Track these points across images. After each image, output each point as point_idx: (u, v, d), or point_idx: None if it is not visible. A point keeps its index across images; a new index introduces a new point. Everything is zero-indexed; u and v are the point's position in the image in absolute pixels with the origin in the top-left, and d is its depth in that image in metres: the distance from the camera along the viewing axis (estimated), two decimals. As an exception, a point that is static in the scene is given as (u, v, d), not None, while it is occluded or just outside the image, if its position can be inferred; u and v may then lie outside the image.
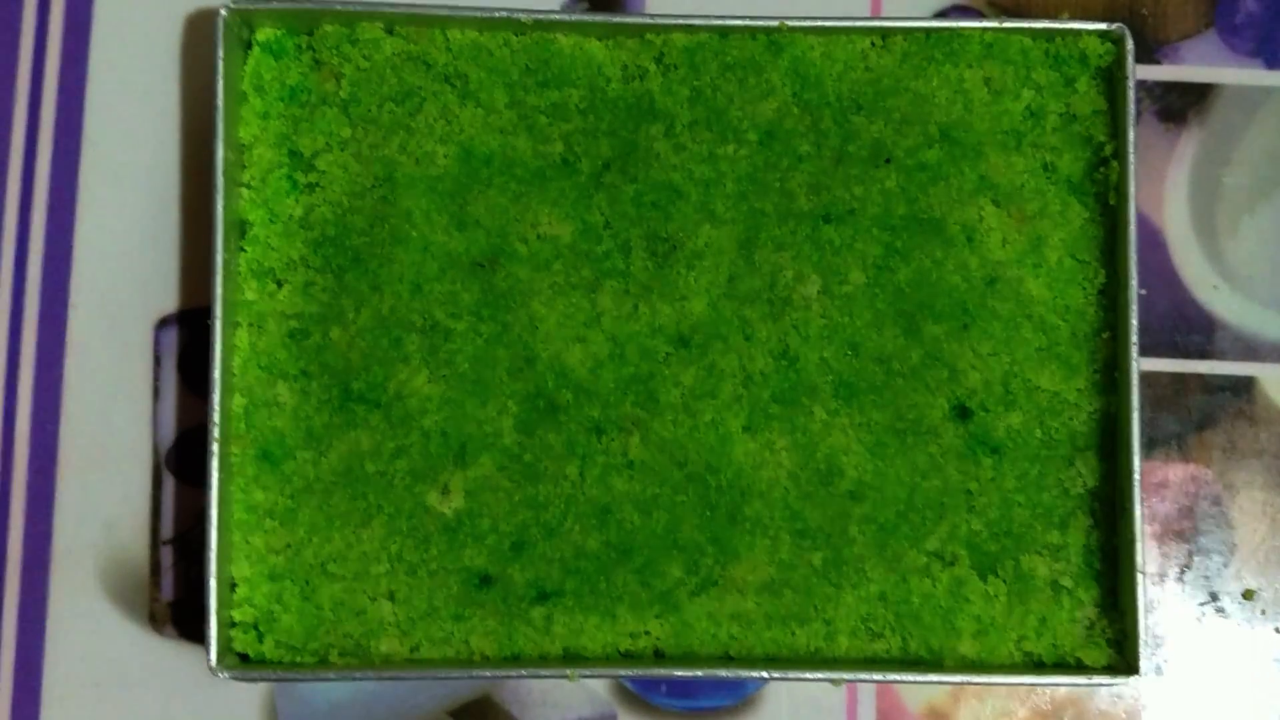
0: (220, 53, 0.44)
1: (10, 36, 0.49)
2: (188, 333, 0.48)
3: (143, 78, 0.49)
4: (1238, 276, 0.49)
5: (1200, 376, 0.49)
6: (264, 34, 0.46)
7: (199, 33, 0.49)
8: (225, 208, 0.44)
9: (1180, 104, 0.50)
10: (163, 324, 0.48)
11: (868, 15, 0.50)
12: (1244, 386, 0.49)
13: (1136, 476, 0.44)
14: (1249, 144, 0.50)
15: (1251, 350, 0.49)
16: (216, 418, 0.44)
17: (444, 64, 0.46)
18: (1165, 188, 0.49)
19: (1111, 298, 0.46)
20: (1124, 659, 0.44)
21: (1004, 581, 0.45)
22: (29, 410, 0.48)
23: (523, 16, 0.45)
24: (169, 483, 0.48)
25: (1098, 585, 0.45)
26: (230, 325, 0.45)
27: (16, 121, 0.49)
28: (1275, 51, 0.50)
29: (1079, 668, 0.45)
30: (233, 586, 0.44)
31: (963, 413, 0.46)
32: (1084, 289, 0.46)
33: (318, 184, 0.46)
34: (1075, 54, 0.46)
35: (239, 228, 0.46)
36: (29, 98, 0.49)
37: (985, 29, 0.46)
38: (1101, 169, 0.46)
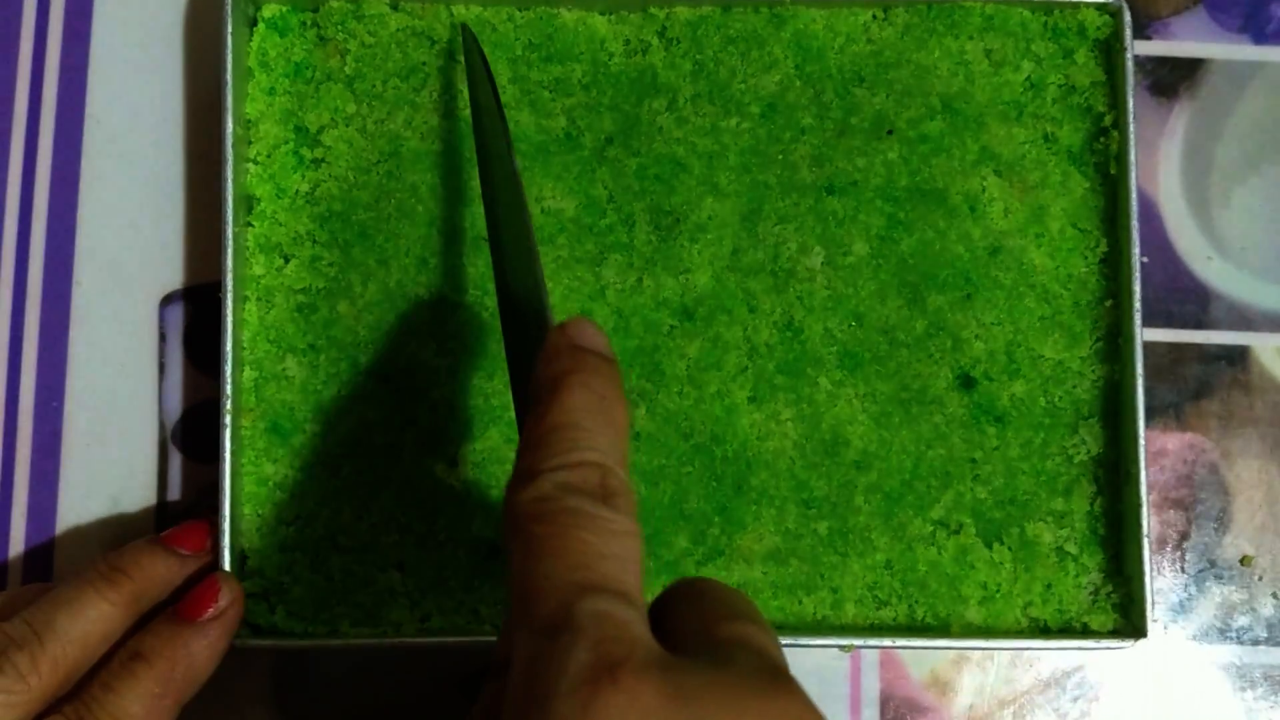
0: (228, 29, 0.45)
1: (13, 14, 0.49)
2: (193, 309, 0.48)
3: (145, 55, 0.49)
4: (1231, 248, 0.50)
5: (1196, 346, 0.49)
6: (270, 10, 0.47)
7: (202, 10, 0.49)
8: (233, 183, 0.44)
9: (1171, 79, 0.50)
10: (168, 300, 0.48)
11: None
12: (1239, 356, 0.49)
13: (1141, 441, 0.44)
14: (1239, 117, 0.50)
15: (1246, 320, 0.49)
16: (229, 390, 0.44)
17: (448, 40, 0.47)
18: (1158, 161, 0.50)
19: (1113, 266, 0.46)
20: (1130, 623, 0.45)
21: (1009, 549, 0.46)
22: (33, 387, 0.48)
23: (527, -9, 0.46)
24: (175, 458, 0.48)
25: (1102, 551, 0.46)
26: (239, 300, 0.45)
27: (19, 98, 0.49)
28: (1262, 27, 0.51)
29: (1086, 632, 0.45)
30: (243, 558, 0.45)
31: (967, 382, 0.46)
32: (1085, 258, 0.47)
33: (324, 159, 0.46)
34: (1074, 26, 0.47)
35: (246, 203, 0.46)
36: (31, 75, 0.49)
37: (985, 1, 0.47)
38: (1101, 139, 0.46)
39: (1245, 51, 0.50)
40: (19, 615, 0.39)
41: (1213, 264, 0.49)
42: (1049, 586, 0.45)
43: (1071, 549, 0.46)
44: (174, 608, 0.41)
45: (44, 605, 0.39)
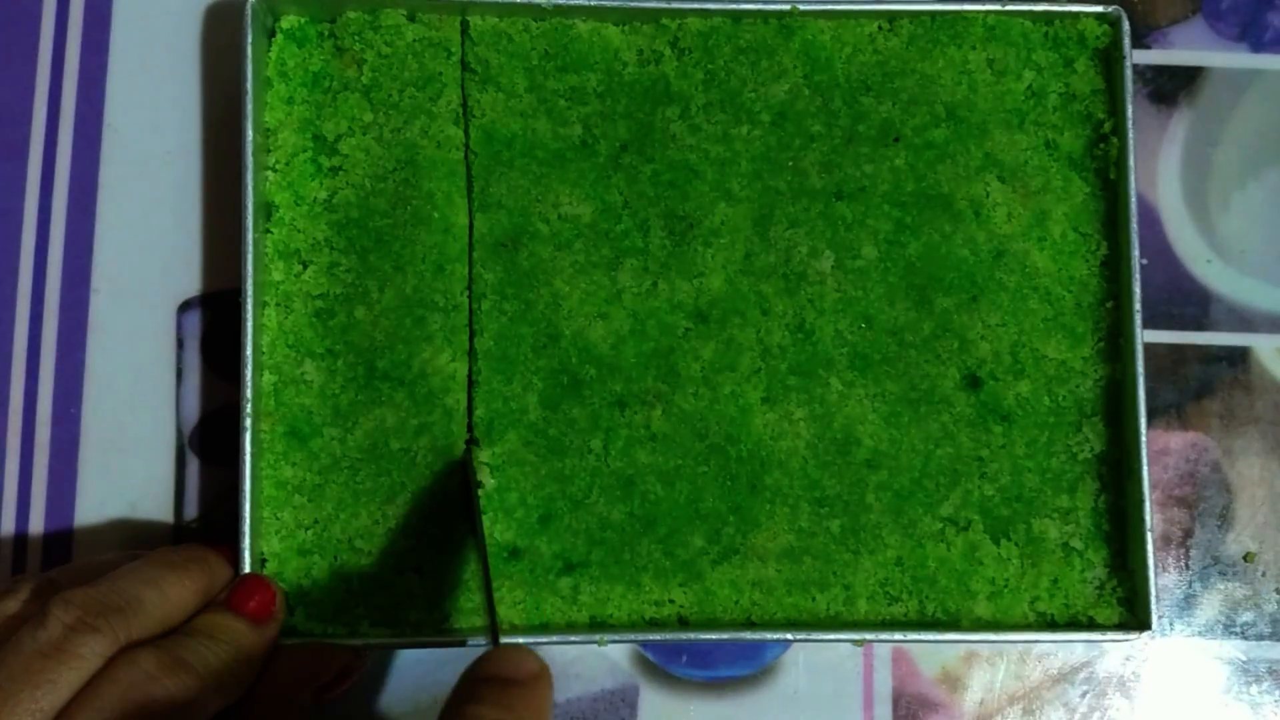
0: (248, 39, 0.45)
1: (31, 25, 0.50)
2: (210, 315, 0.49)
3: (162, 65, 0.50)
4: (1230, 251, 0.51)
5: (1197, 347, 0.51)
6: (288, 21, 0.47)
7: (219, 21, 0.50)
8: (253, 190, 0.45)
9: (1170, 86, 0.52)
10: (185, 307, 0.49)
11: None
12: (1239, 356, 0.51)
13: (1143, 438, 0.45)
14: (1237, 124, 0.52)
15: (1245, 321, 0.51)
16: (249, 395, 0.44)
17: (465, 50, 0.48)
18: (1158, 167, 0.51)
19: (1114, 268, 0.48)
20: (1135, 616, 0.46)
21: (1016, 545, 0.47)
22: (51, 394, 0.48)
23: (543, 2, 0.47)
24: (193, 463, 0.48)
25: (1107, 546, 0.47)
26: (259, 305, 0.45)
27: (38, 108, 0.49)
28: (1260, 35, 0.52)
29: (1092, 626, 0.46)
30: (263, 562, 0.45)
31: (973, 382, 0.47)
32: (1087, 261, 0.48)
33: (341, 167, 0.47)
34: (1074, 36, 0.48)
35: (265, 210, 0.46)
36: (50, 84, 0.50)
37: (987, 12, 0.48)
38: (1101, 145, 0.48)
39: (1243, 59, 0.52)
40: (107, 583, 0.39)
41: (1212, 267, 0.51)
42: (1055, 581, 0.46)
43: (1077, 545, 0.47)
44: (230, 601, 0.42)
45: (129, 581, 0.40)
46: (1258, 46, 0.52)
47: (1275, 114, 0.52)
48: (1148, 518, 0.45)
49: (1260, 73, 0.52)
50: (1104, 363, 0.47)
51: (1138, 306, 0.46)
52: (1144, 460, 0.45)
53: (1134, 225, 0.46)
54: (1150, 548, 0.45)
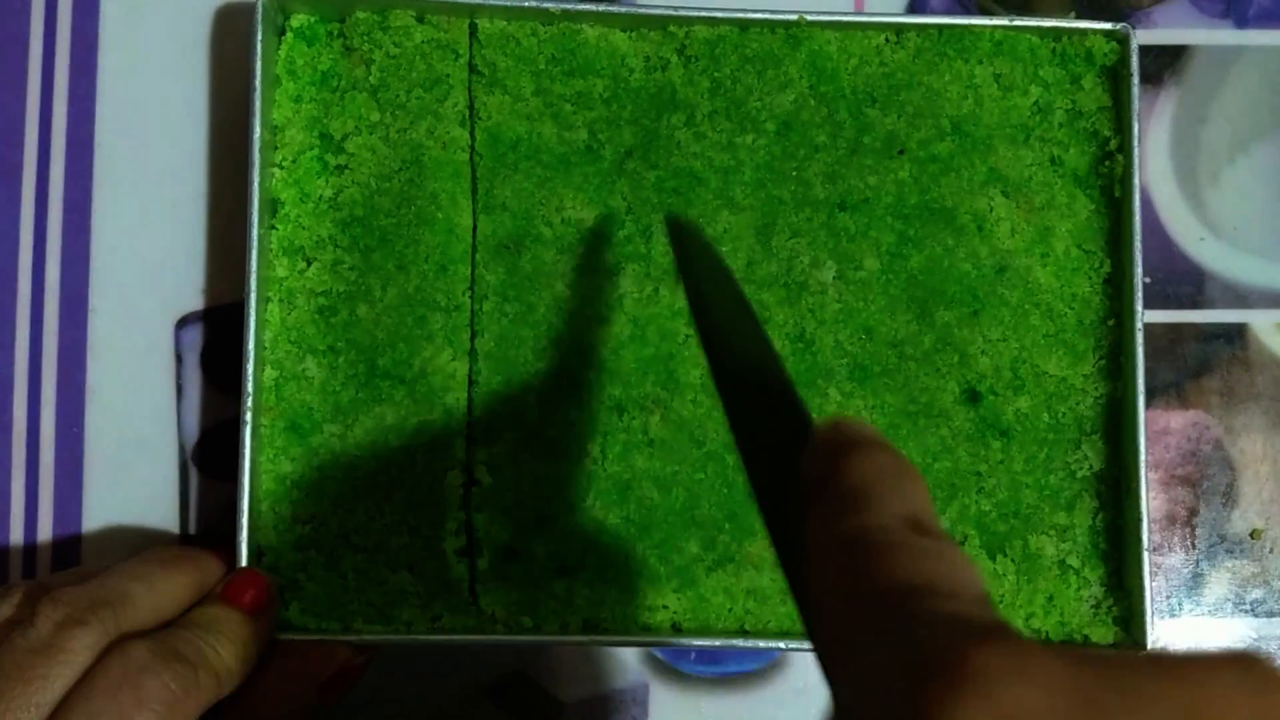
0: (258, 36, 0.46)
1: (20, 48, 0.50)
2: (209, 330, 0.49)
3: (154, 82, 0.50)
4: (1223, 227, 0.51)
5: (1193, 325, 0.51)
6: (298, 20, 0.48)
7: (221, 27, 0.50)
8: (259, 186, 0.45)
9: (1156, 66, 0.52)
10: (184, 322, 0.49)
11: (852, 10, 0.52)
12: (1236, 333, 0.50)
13: (1142, 457, 0.45)
14: (1224, 100, 0.52)
15: (1241, 298, 0.51)
16: (250, 389, 0.44)
17: (473, 52, 0.48)
18: (1148, 147, 0.51)
19: (1116, 286, 0.48)
20: (1130, 636, 0.45)
21: (1012, 561, 0.46)
22: (53, 413, 0.48)
23: (551, 7, 0.47)
24: (195, 478, 0.48)
25: (1104, 565, 0.47)
26: (262, 300, 0.46)
27: (29, 129, 0.49)
28: (1244, 12, 0.52)
29: (1087, 645, 0.46)
30: (260, 555, 0.45)
31: (973, 396, 0.47)
32: (1090, 278, 0.48)
33: (347, 166, 0.47)
34: (1081, 53, 0.48)
35: (271, 206, 0.47)
36: (40, 105, 0.49)
37: (995, 27, 0.48)
38: (1106, 162, 0.48)
39: (1228, 36, 0.52)
40: (96, 580, 0.40)
41: (1206, 244, 0.51)
42: (1051, 599, 0.46)
43: (1073, 562, 0.46)
44: (226, 593, 0.42)
45: (118, 577, 0.40)
46: (1242, 23, 0.52)
47: (1261, 89, 0.52)
48: (1145, 537, 0.45)
49: (1245, 49, 0.52)
50: (1104, 380, 0.47)
51: (1139, 325, 0.46)
52: (1143, 479, 0.45)
53: (1138, 243, 0.46)
54: (1147, 568, 0.45)
